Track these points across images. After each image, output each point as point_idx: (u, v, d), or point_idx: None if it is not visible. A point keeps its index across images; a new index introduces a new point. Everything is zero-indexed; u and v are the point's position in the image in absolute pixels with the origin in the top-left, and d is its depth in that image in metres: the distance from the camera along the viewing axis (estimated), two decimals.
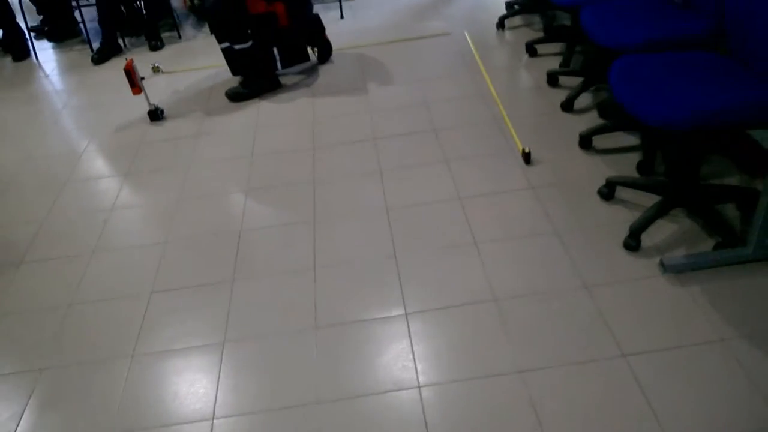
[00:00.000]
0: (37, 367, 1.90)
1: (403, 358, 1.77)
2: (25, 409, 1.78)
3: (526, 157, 2.50)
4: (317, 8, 3.56)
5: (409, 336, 1.84)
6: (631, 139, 2.58)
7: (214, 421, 1.67)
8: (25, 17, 4.38)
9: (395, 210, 2.35)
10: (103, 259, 2.31)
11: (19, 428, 1.73)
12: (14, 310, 2.12)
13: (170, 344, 1.92)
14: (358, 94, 3.24)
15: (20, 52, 4.31)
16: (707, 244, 2.02)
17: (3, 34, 4.38)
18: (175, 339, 1.94)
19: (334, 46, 3.65)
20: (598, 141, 2.58)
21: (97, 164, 2.93)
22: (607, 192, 2.27)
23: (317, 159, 2.72)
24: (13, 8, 4.33)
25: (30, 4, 4.47)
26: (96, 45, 4.14)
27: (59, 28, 4.54)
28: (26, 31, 4.38)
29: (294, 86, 3.39)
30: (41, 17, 4.58)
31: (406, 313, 1.91)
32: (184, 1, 3.04)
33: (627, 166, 2.43)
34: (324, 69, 3.55)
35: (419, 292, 1.98)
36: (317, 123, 3.00)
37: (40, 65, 4.24)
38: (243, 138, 2.96)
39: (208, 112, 3.22)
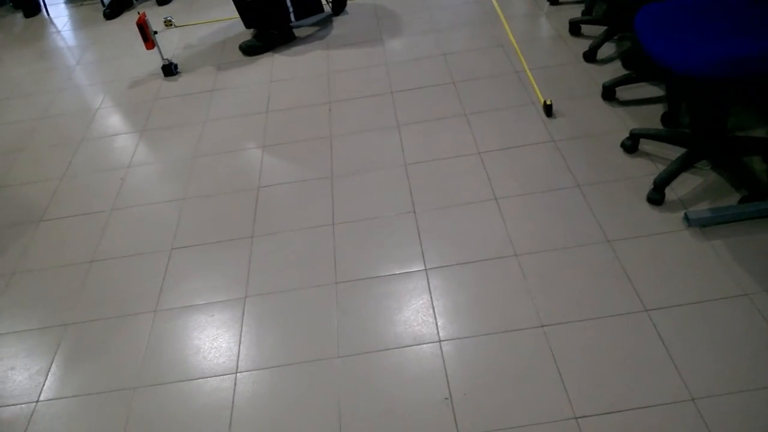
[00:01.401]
0: (61, 322, 1.93)
1: (423, 313, 1.77)
2: (52, 364, 1.81)
3: (548, 110, 2.45)
4: None
5: (429, 291, 1.84)
6: (656, 90, 2.51)
7: (237, 374, 1.69)
8: None
9: (414, 165, 2.32)
10: (123, 216, 2.31)
11: (47, 382, 1.76)
12: (37, 267, 2.15)
13: (192, 299, 1.94)
14: (374, 45, 3.17)
15: (31, 7, 4.25)
16: (733, 198, 1.98)
17: None
18: (197, 294, 1.95)
19: None
20: (622, 92, 2.51)
21: (113, 121, 2.91)
22: (631, 144, 2.21)
23: (334, 113, 2.68)
24: None
25: None
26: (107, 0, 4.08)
27: None
28: None
29: (308, 38, 3.32)
30: None
31: (426, 269, 1.91)
32: None
33: (651, 117, 2.37)
34: (338, 20, 3.46)
35: (439, 247, 1.97)
36: (333, 76, 2.95)
37: (51, 21, 4.18)
38: (258, 92, 2.92)
39: (222, 67, 3.18)
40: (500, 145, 2.35)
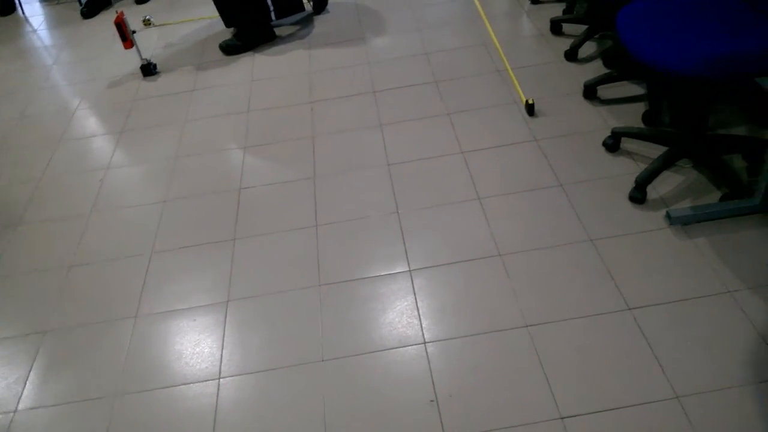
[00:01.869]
0: (40, 329, 1.90)
1: (408, 315, 1.77)
2: (30, 372, 1.78)
3: (530, 109, 2.45)
4: None
5: (414, 292, 1.83)
6: (637, 89, 2.52)
7: (221, 380, 1.67)
8: None
9: (397, 165, 2.31)
10: (102, 218, 2.28)
11: (25, 390, 1.73)
12: (14, 272, 2.11)
13: (173, 304, 1.91)
14: (356, 45, 3.15)
15: (5, 6, 4.17)
16: (714, 196, 2.00)
17: None
18: (179, 299, 1.92)
19: None
20: (603, 91, 2.52)
21: (91, 122, 2.87)
22: (613, 143, 2.22)
23: (316, 113, 2.66)
24: None
25: None
26: None
27: None
28: None
29: (289, 38, 3.29)
30: None
31: (410, 270, 1.90)
32: None
33: (633, 116, 2.38)
34: (320, 19, 3.44)
35: (423, 247, 1.96)
36: (315, 75, 2.93)
37: (26, 20, 4.10)
38: (239, 92, 2.89)
39: (202, 66, 3.14)
40: (483, 144, 2.34)
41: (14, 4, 4.21)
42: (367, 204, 2.16)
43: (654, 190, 2.04)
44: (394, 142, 2.42)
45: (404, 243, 1.99)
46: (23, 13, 4.18)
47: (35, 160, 2.63)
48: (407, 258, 1.94)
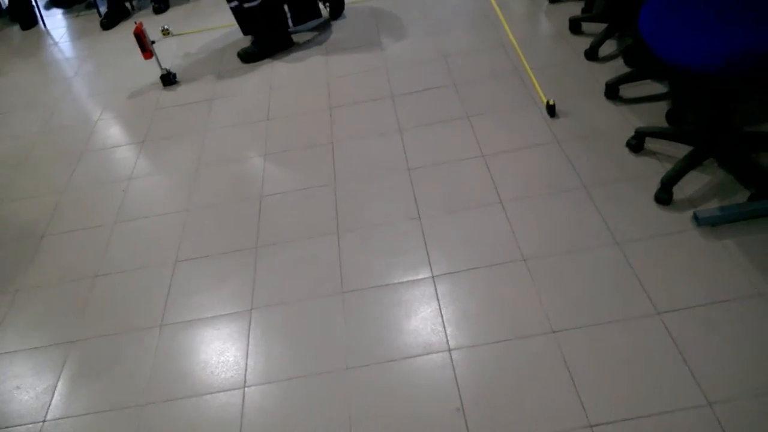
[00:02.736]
0: (67, 339, 1.92)
1: (432, 321, 1.75)
2: (58, 382, 1.79)
3: (551, 110, 2.42)
4: None
5: (437, 298, 1.81)
6: (660, 87, 2.48)
7: (246, 389, 1.67)
8: None
9: (417, 169, 2.30)
10: (126, 228, 2.29)
11: (53, 400, 1.75)
12: (41, 283, 2.13)
13: (198, 313, 1.92)
14: (374, 49, 3.15)
15: (28, 20, 4.24)
16: (742, 195, 1.95)
17: (9, 2, 4.30)
18: (203, 308, 1.93)
19: (347, 0, 3.54)
20: (625, 90, 2.49)
21: (113, 132, 2.90)
22: (636, 143, 2.19)
23: (335, 119, 2.66)
24: None
25: None
26: (104, 10, 4.06)
27: None
28: None
29: (307, 44, 3.30)
30: None
31: (432, 276, 1.89)
32: None
33: (656, 115, 2.35)
34: (337, 25, 3.44)
35: (445, 253, 1.95)
36: (333, 81, 2.93)
37: (48, 32, 4.17)
38: (258, 100, 2.90)
39: (221, 75, 3.16)
40: (504, 147, 2.32)
41: (36, 17, 4.28)
42: (388, 209, 2.15)
43: (680, 191, 2.00)
44: (413, 146, 2.41)
45: (426, 248, 1.98)
46: (45, 26, 4.24)
47: (58, 172, 2.67)
48: (430, 264, 1.92)
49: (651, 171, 2.10)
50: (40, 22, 4.27)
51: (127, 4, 4.11)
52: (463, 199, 2.13)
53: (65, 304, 2.03)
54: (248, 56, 3.20)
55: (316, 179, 2.34)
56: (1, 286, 2.15)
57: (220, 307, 1.92)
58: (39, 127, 3.03)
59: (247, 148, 2.59)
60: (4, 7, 4.48)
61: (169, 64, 3.27)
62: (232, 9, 3.14)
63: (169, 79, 3.12)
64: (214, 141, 2.68)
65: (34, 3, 4.28)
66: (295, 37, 3.34)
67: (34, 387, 1.80)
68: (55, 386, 1.79)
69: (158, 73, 3.11)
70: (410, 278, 1.89)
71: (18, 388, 1.80)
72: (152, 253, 2.17)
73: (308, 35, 3.38)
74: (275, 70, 3.11)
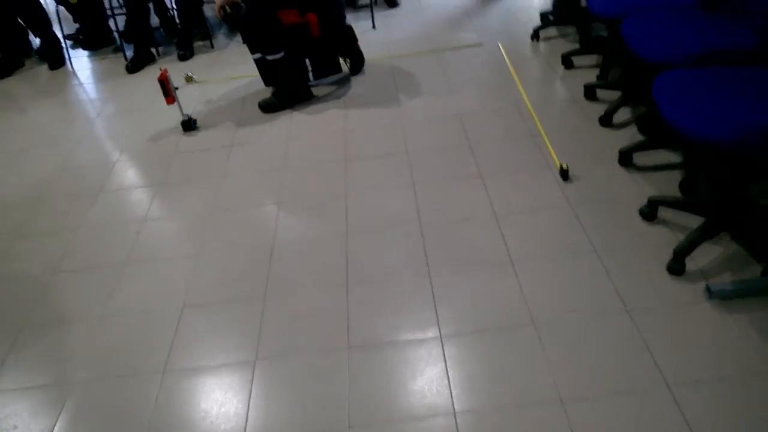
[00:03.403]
0: (68, 379, 1.90)
1: (438, 383, 1.73)
2: (56, 423, 1.77)
3: (564, 174, 2.44)
4: (349, 18, 3.54)
5: (444, 359, 1.79)
6: (674, 156, 2.50)
7: None
8: (62, 26, 4.44)
9: (429, 226, 2.30)
10: (136, 270, 2.30)
11: None
12: (47, 321, 2.13)
13: (202, 360, 1.90)
14: (391, 105, 3.21)
15: (56, 60, 4.37)
16: (755, 270, 1.94)
17: (40, 42, 4.45)
18: (207, 355, 1.91)
19: (367, 56, 3.63)
20: (639, 157, 2.51)
21: (130, 174, 2.94)
22: (649, 212, 2.20)
23: (349, 171, 2.69)
24: (50, 16, 4.40)
25: (66, 12, 4.53)
26: (130, 54, 4.18)
27: (94, 37, 4.59)
28: (62, 40, 4.44)
29: (326, 97, 3.37)
30: (77, 26, 4.65)
31: (440, 335, 1.87)
32: (218, 11, 3.05)
33: (669, 184, 2.36)
34: (356, 80, 3.52)
35: (454, 312, 1.94)
36: (349, 134, 2.98)
37: (75, 73, 4.29)
38: (275, 149, 2.94)
39: (240, 123, 3.22)
40: (516, 207, 2.33)
41: (64, 58, 4.41)
42: (398, 264, 2.15)
43: (693, 262, 1.99)
44: (426, 202, 2.43)
45: (435, 307, 1.97)
46: (72, 67, 4.37)
47: (74, 210, 2.70)
48: (438, 323, 1.91)
49: (663, 240, 2.10)
50: (68, 63, 4.40)
51: (153, 50, 4.23)
52: (474, 258, 2.13)
53: (69, 344, 2.02)
54: (269, 106, 3.26)
55: (329, 230, 2.35)
56: (6, 322, 2.15)
57: (225, 356, 1.90)
58: (58, 165, 3.08)
59: (262, 196, 2.62)
60: (35, 47, 4.63)
61: (190, 109, 3.34)
62: (256, 60, 3.23)
63: (189, 125, 3.18)
64: (230, 187, 2.71)
65: (63, 44, 4.42)
66: (315, 90, 3.41)
67: (30, 428, 1.77)
68: (53, 428, 1.76)
69: (179, 118, 3.18)
70: (418, 337, 1.87)
71: (15, 427, 1.78)
72: (160, 296, 2.16)
73: (328, 89, 3.45)
74: (294, 121, 3.17)
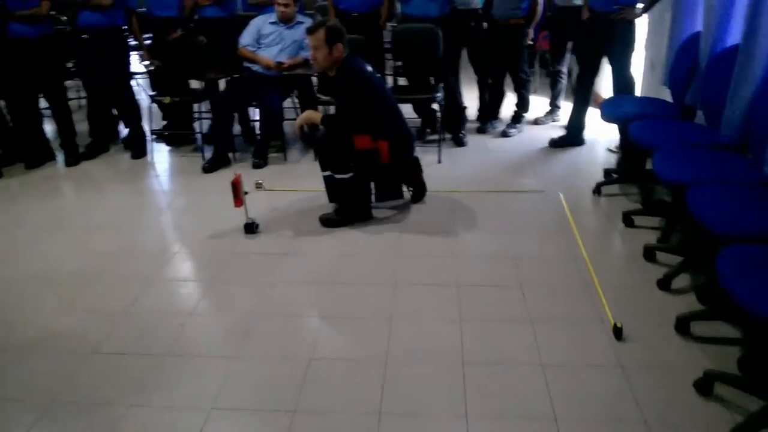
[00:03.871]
0: None
1: None
2: None
3: (618, 332, 2.37)
4: (417, 150, 3.69)
5: None
6: (734, 331, 2.40)
7: None
8: (151, 120, 4.78)
9: (472, 365, 2.24)
10: (173, 363, 2.30)
11: None
12: (79, 401, 2.11)
13: None
14: (446, 237, 3.25)
15: (139, 151, 4.68)
16: None
17: (128, 133, 4.79)
18: None
19: (429, 188, 3.74)
20: (697, 326, 2.42)
21: (185, 267, 3.02)
22: (705, 385, 2.08)
23: (397, 296, 2.69)
24: (141, 112, 4.77)
25: (157, 110, 4.90)
26: (208, 155, 4.43)
27: (178, 135, 4.92)
28: (148, 133, 4.77)
29: (385, 220, 3.45)
30: (164, 122, 5.01)
31: None
32: (298, 130, 3.26)
33: (728, 359, 2.24)
34: (416, 208, 3.61)
35: None
36: (402, 259, 3.01)
37: (154, 165, 4.56)
38: (327, 263, 2.99)
39: (299, 233, 3.31)
40: (565, 360, 2.25)
41: (146, 149, 4.71)
42: (435, 400, 2.07)
43: None
44: (471, 339, 2.38)
45: None
46: (152, 159, 4.65)
47: (125, 294, 2.76)
48: None
49: (719, 420, 1.96)
50: (149, 155, 4.69)
51: (231, 155, 4.48)
52: (515, 407, 2.04)
53: (93, 429, 1.99)
54: (329, 221, 3.36)
55: (368, 352, 2.32)
56: (37, 394, 2.14)
57: None
58: (119, 248, 3.20)
59: (308, 307, 2.63)
60: (122, 135, 4.98)
61: (255, 214, 3.46)
62: (324, 177, 3.37)
63: (251, 228, 3.29)
64: (277, 294, 2.74)
65: (148, 138, 4.74)
66: (375, 212, 3.50)
67: None
68: None
69: (243, 220, 3.29)
70: None
71: None
72: (190, 394, 2.14)
73: (388, 212, 3.54)
74: (350, 238, 3.23)
